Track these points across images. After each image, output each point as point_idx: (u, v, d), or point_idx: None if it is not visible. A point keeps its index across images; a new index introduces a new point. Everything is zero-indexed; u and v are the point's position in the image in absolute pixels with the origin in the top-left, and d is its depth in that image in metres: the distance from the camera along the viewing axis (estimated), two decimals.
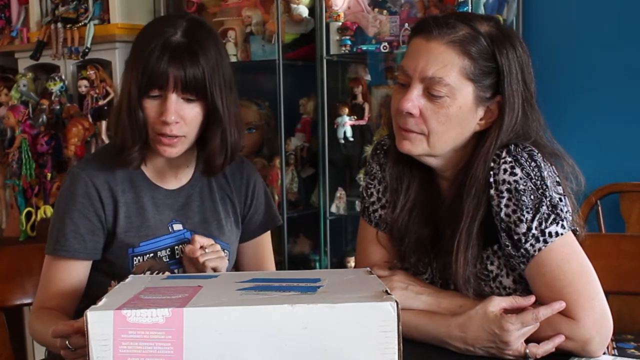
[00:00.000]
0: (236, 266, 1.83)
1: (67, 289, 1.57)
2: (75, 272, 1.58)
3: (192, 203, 1.67)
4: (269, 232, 1.81)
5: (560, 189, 1.35)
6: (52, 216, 1.64)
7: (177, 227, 1.64)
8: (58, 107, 3.15)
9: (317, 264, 2.89)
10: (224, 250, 1.66)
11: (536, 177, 1.33)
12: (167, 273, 1.59)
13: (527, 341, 1.28)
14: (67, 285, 1.58)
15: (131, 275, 1.26)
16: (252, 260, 1.79)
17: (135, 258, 1.59)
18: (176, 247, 1.62)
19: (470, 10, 2.47)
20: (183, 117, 1.52)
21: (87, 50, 3.04)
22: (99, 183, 1.58)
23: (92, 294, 1.61)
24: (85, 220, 1.57)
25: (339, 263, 2.88)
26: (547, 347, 1.28)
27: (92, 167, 1.61)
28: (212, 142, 1.58)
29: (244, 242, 1.77)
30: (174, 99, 1.51)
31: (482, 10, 2.55)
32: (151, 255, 1.60)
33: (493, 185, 1.34)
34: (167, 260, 1.61)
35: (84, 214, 1.57)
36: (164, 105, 1.51)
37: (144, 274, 1.57)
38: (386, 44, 2.65)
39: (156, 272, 1.58)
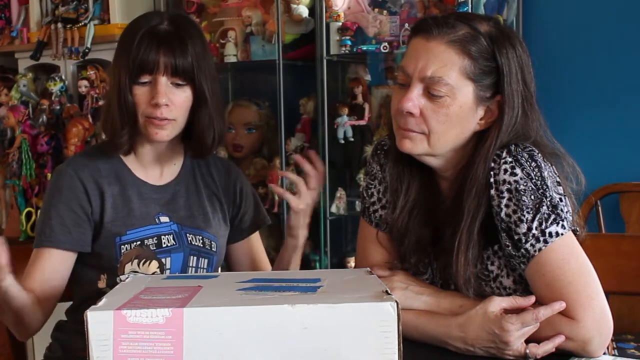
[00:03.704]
0: (230, 267, 1.84)
1: (47, 276, 1.57)
2: (58, 261, 1.58)
3: (178, 199, 1.68)
4: (258, 231, 1.83)
5: (560, 189, 1.35)
6: (40, 210, 1.66)
7: (164, 219, 1.65)
8: (58, 107, 3.15)
9: (317, 264, 2.89)
10: (211, 242, 1.68)
11: (536, 177, 1.33)
12: (154, 261, 1.60)
13: (527, 341, 1.28)
14: (47, 272, 1.57)
15: (131, 275, 1.26)
16: (247, 260, 1.80)
17: (122, 246, 1.59)
18: (163, 237, 1.63)
19: (470, 10, 2.47)
20: (172, 101, 1.56)
21: (87, 50, 3.04)
22: (84, 176, 1.61)
23: (82, 289, 1.63)
24: (71, 212, 1.58)
25: (339, 263, 2.88)
26: (547, 347, 1.28)
27: (78, 162, 1.64)
28: (202, 121, 1.61)
29: (236, 242, 1.79)
30: (164, 82, 1.55)
31: (482, 10, 2.55)
32: (138, 243, 1.60)
33: (493, 185, 1.35)
34: (154, 249, 1.61)
35: (69, 206, 1.59)
36: (155, 89, 1.55)
37: (131, 262, 1.58)
38: (386, 44, 2.65)
39: (143, 260, 1.59)
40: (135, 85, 1.57)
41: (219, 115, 1.65)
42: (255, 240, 1.82)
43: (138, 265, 1.59)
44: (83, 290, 1.63)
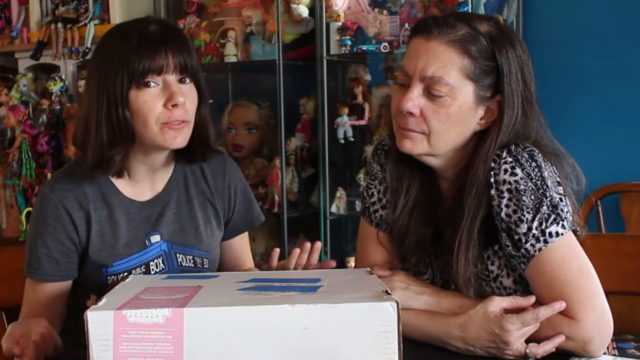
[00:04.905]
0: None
1: (49, 309, 1.54)
2: (54, 293, 1.54)
3: (168, 211, 1.60)
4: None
5: (560, 189, 1.35)
6: (27, 237, 1.59)
7: (155, 238, 1.58)
8: (58, 107, 3.16)
9: None
10: (202, 259, 1.62)
11: (537, 177, 1.33)
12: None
13: (528, 341, 1.28)
14: (48, 306, 1.54)
15: (131, 275, 1.27)
16: (227, 259, 1.74)
17: (109, 277, 1.54)
18: (151, 262, 1.57)
19: (470, 10, 2.47)
20: (185, 100, 1.47)
21: (87, 50, 3.05)
22: (69, 205, 1.52)
23: (73, 304, 1.58)
24: (58, 243, 1.52)
25: (339, 263, 2.88)
26: (548, 347, 1.28)
27: (62, 187, 1.54)
28: (205, 120, 1.55)
29: (225, 240, 1.72)
30: (174, 80, 1.47)
31: (482, 10, 2.56)
32: (125, 274, 1.53)
33: (494, 185, 1.35)
34: None
35: (55, 237, 1.52)
36: (169, 89, 1.46)
37: None
38: (386, 44, 2.65)
39: None
40: (143, 91, 1.46)
41: (212, 123, 1.60)
42: (239, 239, 1.74)
43: None
44: (73, 305, 1.58)
